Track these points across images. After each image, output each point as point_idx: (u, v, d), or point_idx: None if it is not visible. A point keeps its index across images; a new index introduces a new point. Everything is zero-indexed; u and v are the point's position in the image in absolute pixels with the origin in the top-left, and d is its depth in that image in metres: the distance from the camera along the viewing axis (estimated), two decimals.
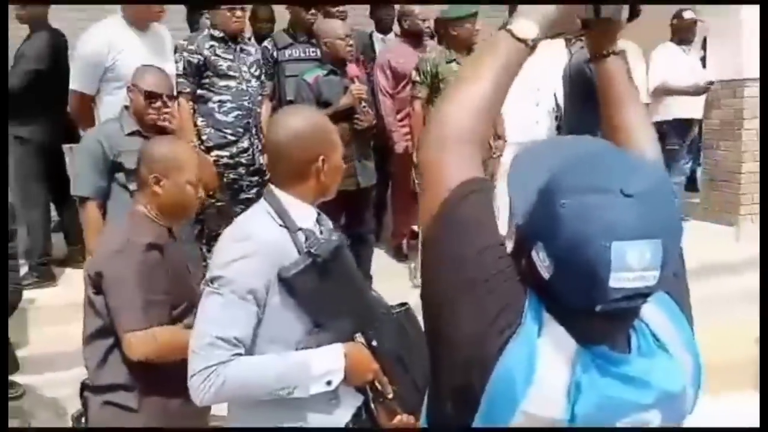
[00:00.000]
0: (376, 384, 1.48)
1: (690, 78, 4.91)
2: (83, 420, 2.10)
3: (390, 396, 1.48)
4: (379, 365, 1.48)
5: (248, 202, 3.67)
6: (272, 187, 1.49)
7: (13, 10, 3.91)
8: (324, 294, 1.40)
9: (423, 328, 0.92)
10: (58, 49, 3.84)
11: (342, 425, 1.50)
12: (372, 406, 1.52)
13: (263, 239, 1.40)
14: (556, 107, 4.26)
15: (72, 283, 3.84)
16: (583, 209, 0.76)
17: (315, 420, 1.45)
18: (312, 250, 1.39)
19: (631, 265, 0.74)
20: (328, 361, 1.41)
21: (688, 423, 0.91)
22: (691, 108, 4.99)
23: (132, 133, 2.55)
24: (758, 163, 4.67)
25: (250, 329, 1.38)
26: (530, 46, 0.92)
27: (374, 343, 1.47)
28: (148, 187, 1.83)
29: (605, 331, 0.83)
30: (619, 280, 0.75)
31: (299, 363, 1.39)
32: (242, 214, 1.57)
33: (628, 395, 0.81)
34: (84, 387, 1.84)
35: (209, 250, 3.51)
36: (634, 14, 1.05)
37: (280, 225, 1.44)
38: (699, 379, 0.90)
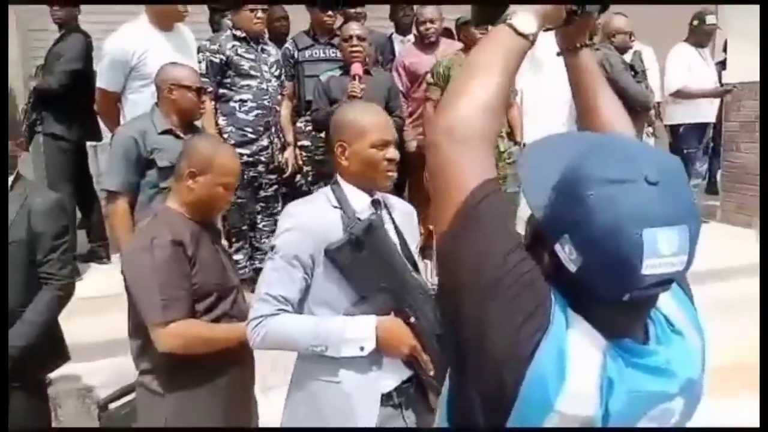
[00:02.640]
0: (420, 360, 1.55)
1: (707, 81, 4.88)
2: (108, 407, 2.19)
3: (431, 373, 1.54)
4: (419, 343, 1.55)
5: (267, 200, 3.74)
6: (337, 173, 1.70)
7: (48, 12, 4.04)
8: (361, 268, 1.55)
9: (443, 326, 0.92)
10: (88, 50, 3.96)
11: (380, 391, 1.60)
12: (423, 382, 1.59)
13: (304, 216, 1.61)
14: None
15: (95, 278, 3.94)
16: (610, 199, 0.77)
17: (347, 377, 1.57)
18: (348, 229, 1.55)
19: (661, 251, 0.76)
20: (359, 329, 1.54)
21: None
22: (707, 112, 4.98)
23: (165, 132, 2.60)
24: None
25: (296, 290, 1.58)
26: (531, 41, 0.92)
27: (412, 319, 1.56)
28: (183, 181, 1.88)
29: (629, 321, 0.85)
30: (651, 267, 0.76)
31: (333, 326, 1.55)
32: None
33: (656, 386, 0.82)
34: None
35: (230, 245, 3.58)
36: (604, 7, 1.07)
37: (334, 206, 1.62)
38: (705, 356, 0.91)
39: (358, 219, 1.58)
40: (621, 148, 0.84)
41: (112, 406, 2.24)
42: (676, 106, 4.95)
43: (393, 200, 1.79)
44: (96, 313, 3.44)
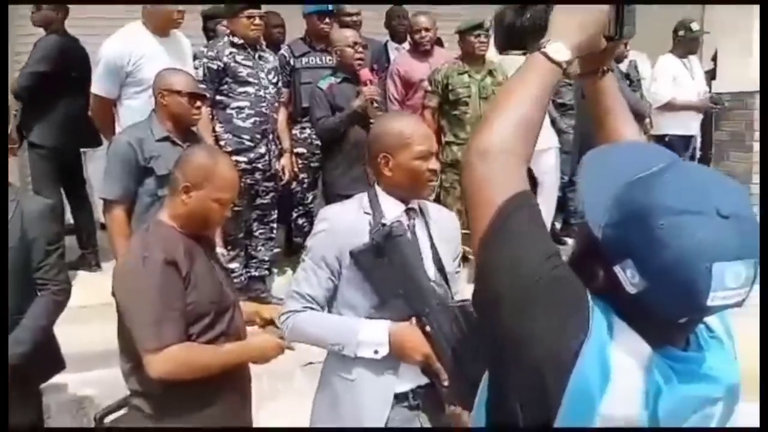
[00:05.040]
0: (435, 369, 1.56)
1: (692, 93, 4.91)
2: (105, 420, 2.15)
3: (445, 384, 1.54)
4: (433, 352, 1.55)
5: (263, 208, 3.71)
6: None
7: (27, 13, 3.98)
8: (381, 274, 1.60)
9: (478, 329, 0.94)
10: (67, 52, 3.85)
11: (393, 391, 1.64)
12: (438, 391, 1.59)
13: (335, 220, 1.70)
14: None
15: (85, 286, 3.86)
16: (681, 231, 0.78)
17: (361, 376, 1.64)
18: (371, 234, 1.60)
19: (728, 284, 0.77)
20: (373, 333, 1.61)
21: None
22: (691, 124, 4.99)
23: (162, 139, 2.57)
24: None
25: (321, 290, 1.67)
26: (564, 68, 0.95)
27: (428, 328, 1.57)
28: (176, 195, 1.78)
29: (680, 335, 0.87)
30: (716, 299, 0.78)
31: (350, 328, 1.63)
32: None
33: (702, 391, 0.84)
34: None
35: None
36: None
37: (366, 212, 1.68)
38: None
39: (383, 225, 1.61)
40: (691, 176, 0.84)
41: (109, 419, 2.19)
42: (661, 117, 4.95)
43: (433, 209, 1.80)
44: (86, 322, 3.37)
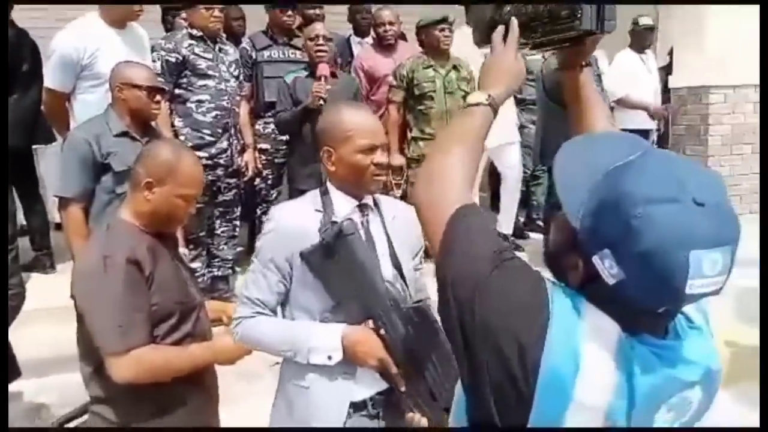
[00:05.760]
0: (389, 374, 1.50)
1: (648, 88, 5.03)
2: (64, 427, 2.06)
3: (401, 389, 1.49)
4: (390, 356, 1.49)
5: (226, 204, 3.63)
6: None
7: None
8: (333, 274, 1.52)
9: (442, 330, 0.94)
10: (15, 45, 3.66)
11: (350, 399, 1.57)
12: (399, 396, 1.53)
13: (284, 220, 1.59)
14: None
15: (40, 288, 3.73)
16: (658, 220, 0.77)
17: (315, 383, 1.57)
18: (321, 233, 1.53)
19: (706, 272, 0.77)
20: (325, 338, 1.53)
21: None
22: (647, 119, 5.12)
23: (120, 134, 2.48)
24: (724, 167, 4.83)
25: (271, 293, 1.59)
26: (486, 104, 1.06)
27: (382, 331, 1.50)
28: (138, 191, 1.71)
29: (659, 324, 0.87)
30: (694, 287, 0.78)
31: (301, 333, 1.55)
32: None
33: (678, 375, 0.84)
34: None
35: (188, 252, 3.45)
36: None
37: (317, 210, 1.59)
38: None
39: (333, 223, 1.54)
40: (666, 164, 0.84)
41: (70, 425, 2.10)
42: (621, 111, 5.07)
43: (389, 204, 1.71)
44: (42, 326, 3.24)
